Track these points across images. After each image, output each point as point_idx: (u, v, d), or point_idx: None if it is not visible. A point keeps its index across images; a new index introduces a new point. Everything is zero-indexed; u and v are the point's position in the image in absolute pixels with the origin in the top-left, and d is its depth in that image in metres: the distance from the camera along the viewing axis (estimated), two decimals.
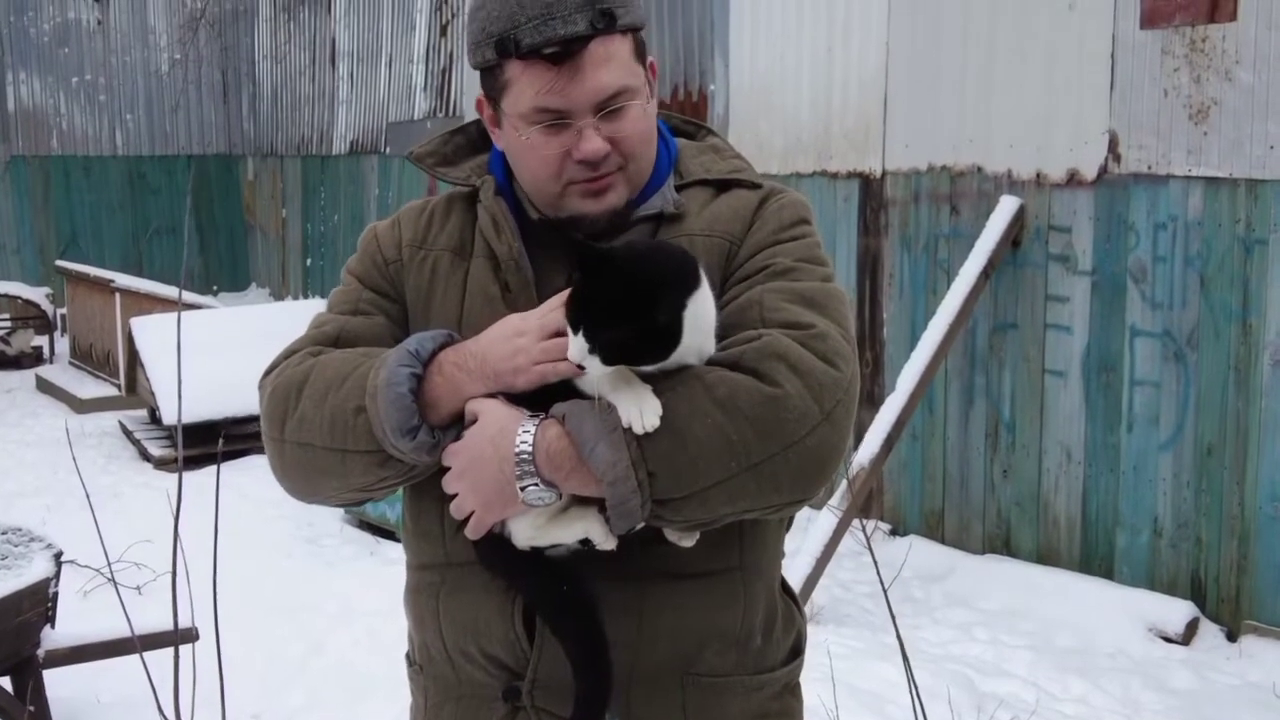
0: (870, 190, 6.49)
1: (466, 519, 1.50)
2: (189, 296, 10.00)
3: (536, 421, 1.44)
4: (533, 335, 1.48)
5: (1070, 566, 5.61)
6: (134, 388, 8.93)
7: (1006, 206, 5.69)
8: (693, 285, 1.40)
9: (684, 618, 1.54)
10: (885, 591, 3.26)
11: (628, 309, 1.34)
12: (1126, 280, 5.33)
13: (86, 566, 5.36)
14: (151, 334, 8.40)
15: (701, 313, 1.41)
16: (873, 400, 6.21)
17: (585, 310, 1.35)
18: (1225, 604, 5.09)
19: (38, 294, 12.16)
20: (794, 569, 5.38)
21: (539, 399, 1.47)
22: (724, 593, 1.55)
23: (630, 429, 1.38)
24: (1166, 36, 5.11)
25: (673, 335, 1.37)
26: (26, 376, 11.24)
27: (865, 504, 6.19)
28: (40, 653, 3.96)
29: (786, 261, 1.55)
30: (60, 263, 11.92)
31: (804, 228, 1.61)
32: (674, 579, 1.53)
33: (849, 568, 5.97)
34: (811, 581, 5.35)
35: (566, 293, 1.45)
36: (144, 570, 5.52)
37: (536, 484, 1.42)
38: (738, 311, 1.51)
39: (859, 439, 5.60)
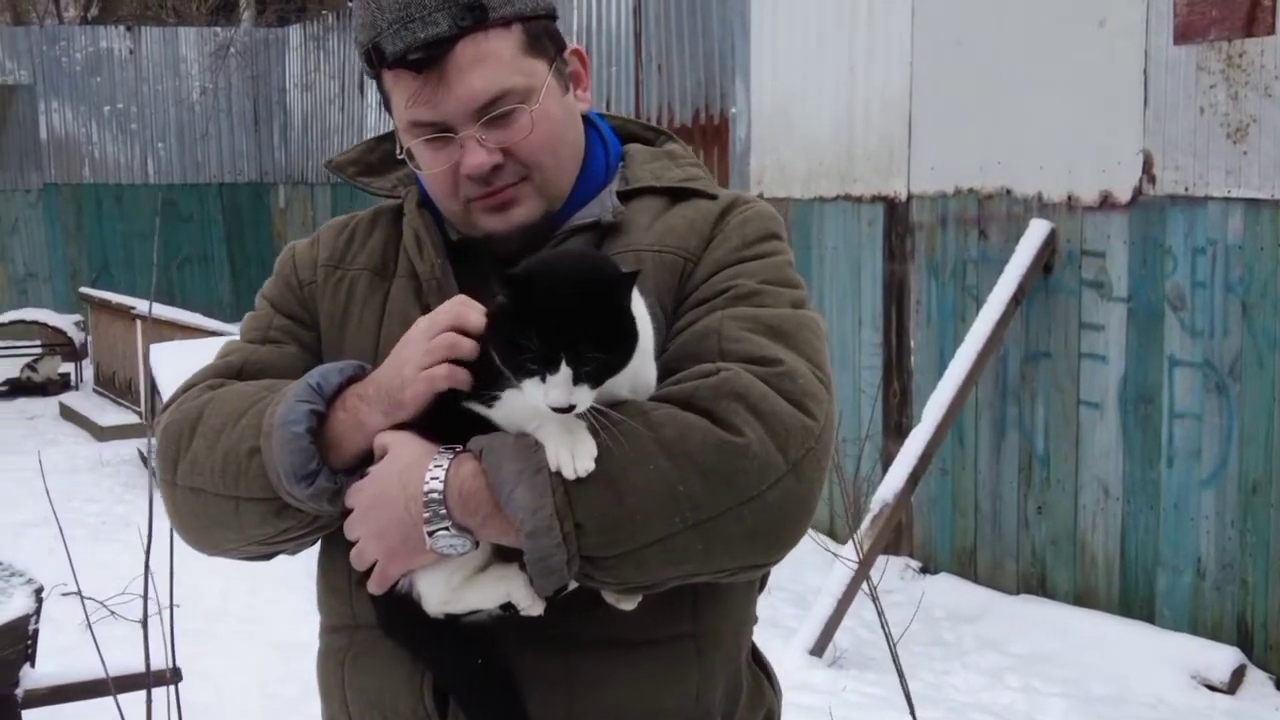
0: (895, 214, 6.29)
1: (370, 571, 1.31)
2: (215, 324, 9.95)
3: (450, 456, 1.25)
4: (417, 340, 1.30)
5: (1108, 609, 5.36)
6: (154, 415, 8.84)
7: (1037, 230, 5.48)
8: (623, 273, 1.21)
9: (624, 695, 1.34)
10: (890, 641, 3.03)
11: (593, 315, 1.15)
12: (1164, 307, 5.09)
13: (91, 599, 5.24)
14: (170, 361, 8.30)
15: (637, 311, 1.22)
16: (899, 432, 5.99)
17: (555, 337, 1.15)
18: (1274, 650, 4.81)
19: (66, 321, 12.17)
20: (814, 609, 5.18)
21: (463, 432, 1.27)
22: (673, 665, 1.36)
23: (559, 472, 1.19)
24: (1201, 52, 4.88)
25: (633, 328, 1.18)
26: (51, 403, 11.24)
27: (894, 540, 5.96)
28: (19, 693, 3.82)
29: (750, 284, 1.35)
30: (85, 290, 11.92)
31: (772, 243, 1.42)
32: (612, 648, 1.33)
33: (875, 607, 5.73)
34: (833, 623, 5.14)
35: (458, 298, 1.29)
36: (150, 602, 5.39)
37: (447, 529, 1.23)
38: (693, 340, 1.32)
39: (884, 470, 5.38)
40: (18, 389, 11.85)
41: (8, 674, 3.77)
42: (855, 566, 5.00)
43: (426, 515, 1.23)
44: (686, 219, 1.44)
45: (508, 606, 1.26)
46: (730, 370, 1.25)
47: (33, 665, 3.88)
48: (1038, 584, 5.70)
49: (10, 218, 14.17)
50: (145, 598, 3.24)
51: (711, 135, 7.35)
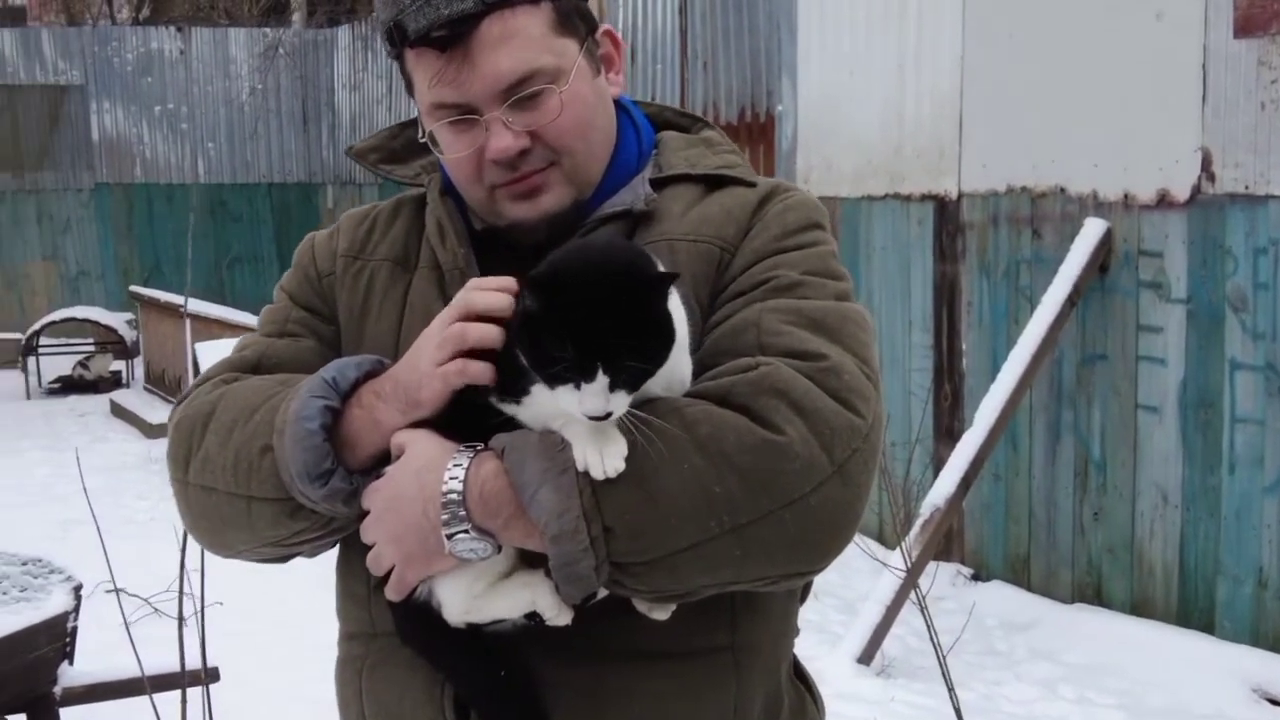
0: (946, 213, 6.17)
1: (388, 577, 1.25)
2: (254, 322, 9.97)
3: (470, 455, 1.18)
4: (433, 334, 1.23)
5: (1166, 619, 5.21)
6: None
7: (1092, 230, 5.34)
8: (661, 272, 1.13)
9: (656, 710, 1.26)
10: (939, 651, 2.94)
11: (631, 320, 1.08)
12: (1224, 309, 4.94)
13: (135, 596, 5.27)
14: (217, 359, 8.34)
15: (672, 305, 1.14)
16: (951, 436, 5.88)
17: (591, 345, 1.07)
18: None
19: (117, 319, 12.29)
20: (862, 616, 5.09)
21: (487, 430, 1.20)
22: (709, 679, 1.29)
23: (586, 472, 1.12)
24: (1263, 46, 4.73)
25: (671, 330, 1.12)
26: (102, 401, 11.35)
27: (944, 546, 5.85)
28: (57, 690, 3.84)
29: (791, 275, 1.28)
30: (134, 288, 12.03)
31: (814, 233, 1.34)
32: (644, 660, 1.26)
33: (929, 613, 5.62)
34: (881, 631, 5.04)
35: (470, 283, 1.21)
36: (190, 599, 5.41)
37: (467, 532, 1.17)
38: (730, 334, 1.25)
39: (934, 474, 5.27)
40: (70, 386, 11.99)
41: (46, 671, 3.78)
42: (904, 574, 4.90)
43: (445, 517, 1.17)
44: (723, 207, 1.37)
45: (533, 616, 1.20)
46: (770, 365, 1.18)
47: (71, 663, 3.90)
48: (1093, 593, 5.57)
49: (63, 217, 14.32)
50: (180, 597, 3.21)
51: (757, 133, 7.26)
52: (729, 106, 7.54)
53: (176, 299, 10.43)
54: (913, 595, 5.42)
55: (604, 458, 1.11)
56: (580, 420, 1.11)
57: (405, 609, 1.24)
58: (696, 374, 1.22)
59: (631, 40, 8.26)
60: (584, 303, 1.08)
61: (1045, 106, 5.61)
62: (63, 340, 12.30)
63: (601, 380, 1.08)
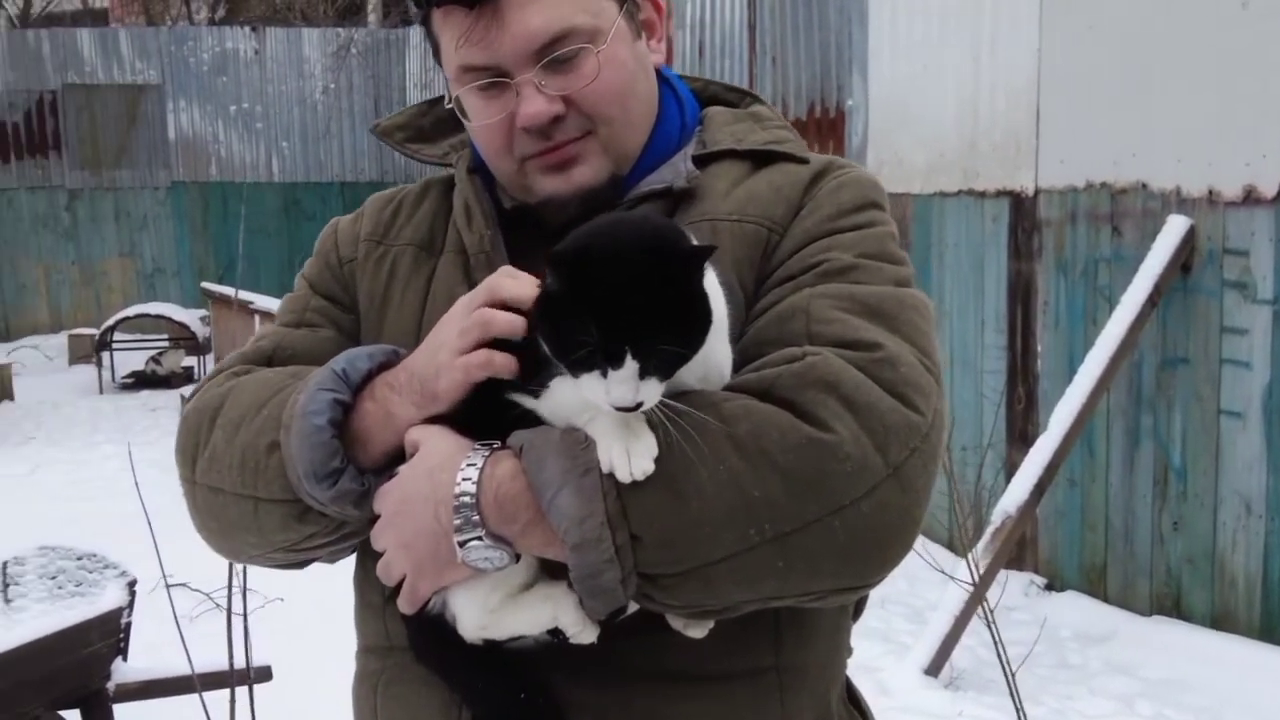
0: (1022, 210, 5.99)
1: (401, 587, 1.15)
2: None
3: (486, 453, 1.09)
4: (454, 321, 1.14)
5: (1249, 633, 5.00)
6: None
7: (1175, 227, 5.14)
8: (696, 246, 1.03)
9: None
10: (1005, 664, 2.80)
11: (662, 298, 0.98)
12: None
13: (197, 590, 5.26)
14: None
15: (707, 286, 1.04)
16: (1025, 440, 5.70)
17: (618, 326, 0.98)
18: None
19: (190, 316, 12.43)
20: (930, 626, 4.94)
21: (508, 426, 1.10)
22: (750, 703, 1.18)
23: (611, 474, 1.02)
24: None
25: (707, 310, 1.02)
26: (174, 396, 11.47)
27: (1017, 554, 5.68)
28: (110, 686, 3.83)
29: (845, 257, 1.18)
30: (205, 285, 12.16)
31: (871, 213, 1.24)
32: (678, 682, 1.16)
33: (998, 625, 5.45)
34: (950, 641, 4.89)
35: (501, 270, 1.12)
36: (255, 595, 5.42)
37: (480, 539, 1.07)
38: (776, 322, 1.14)
39: (1004, 479, 5.10)
40: (142, 381, 12.16)
41: (99, 667, 3.78)
42: (971, 584, 4.74)
43: (457, 522, 1.07)
44: (772, 185, 1.26)
45: (556, 632, 1.10)
46: (819, 355, 1.08)
47: (125, 659, 3.90)
48: (1172, 605, 5.38)
49: (140, 214, 14.53)
50: (230, 595, 3.17)
51: (827, 129, 7.11)
52: (798, 102, 7.40)
53: (247, 296, 10.53)
54: (1006, 602, 5.28)
55: (631, 457, 1.01)
56: (607, 415, 1.02)
57: (418, 622, 1.15)
58: (738, 366, 1.12)
59: (699, 35, 8.14)
60: (610, 280, 0.98)
61: (1126, 99, 5.42)
62: (136, 336, 12.48)
63: (630, 366, 0.98)
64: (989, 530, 5.02)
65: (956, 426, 6.31)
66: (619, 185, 1.29)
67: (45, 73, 14.00)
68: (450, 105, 1.30)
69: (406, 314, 1.31)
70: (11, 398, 10.70)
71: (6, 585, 4.11)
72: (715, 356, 1.08)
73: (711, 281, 1.06)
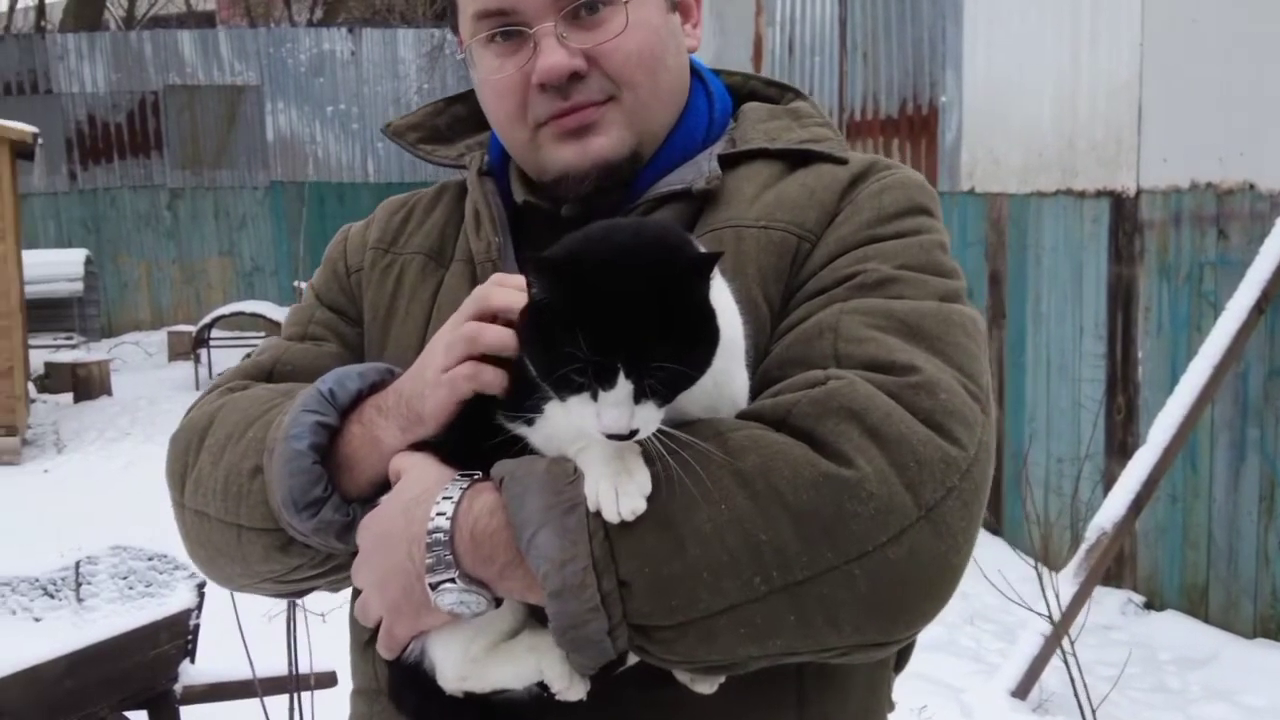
0: (1123, 211, 5.74)
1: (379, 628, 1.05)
2: None
3: (464, 486, 0.98)
4: (443, 337, 1.04)
5: None
6: None
7: None
8: (700, 253, 0.91)
9: None
10: (1079, 693, 2.62)
11: (660, 309, 0.87)
12: None
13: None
14: None
15: (717, 302, 0.92)
16: (1124, 452, 5.46)
17: (609, 340, 0.87)
18: None
19: (286, 314, 12.53)
20: (1019, 646, 4.74)
21: (500, 455, 0.99)
22: None
23: (599, 512, 0.91)
24: None
25: (712, 325, 0.90)
26: None
27: (1115, 570, 5.45)
28: (178, 688, 3.83)
29: (883, 269, 1.06)
30: (298, 283, 12.29)
31: (917, 219, 1.12)
32: None
33: (1091, 644, 5.23)
34: (1040, 663, 4.68)
35: (494, 277, 1.03)
36: (326, 599, 5.39)
37: (454, 582, 0.96)
38: (801, 341, 1.03)
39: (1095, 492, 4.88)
40: None
41: (167, 669, 3.78)
42: (1047, 616, 4.53)
43: (429, 561, 0.97)
44: (805, 188, 1.14)
45: (545, 686, 0.99)
46: (843, 380, 0.96)
47: (193, 661, 3.89)
48: (1276, 628, 5.13)
49: (239, 214, 14.75)
50: (291, 601, 3.11)
51: (920, 126, 6.90)
52: (889, 99, 7.19)
53: None
54: (1100, 621, 5.05)
55: (619, 495, 0.90)
56: (598, 443, 0.90)
57: (399, 669, 1.04)
58: (760, 389, 1.00)
59: (790, 32, 7.98)
60: (600, 288, 0.87)
61: (1233, 95, 5.17)
62: (234, 333, 12.65)
63: (623, 387, 0.86)
64: (1083, 547, 4.80)
65: (1052, 437, 6.08)
66: (639, 164, 1.18)
67: (148, 74, 14.29)
68: (462, 56, 1.21)
69: (410, 328, 1.21)
70: (110, 393, 10.90)
71: (79, 584, 4.12)
72: (727, 381, 0.96)
73: (723, 297, 0.94)
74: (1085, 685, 1.90)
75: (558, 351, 0.87)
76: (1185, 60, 5.40)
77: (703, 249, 0.94)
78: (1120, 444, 5.75)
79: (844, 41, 7.48)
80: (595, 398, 0.88)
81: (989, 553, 4.79)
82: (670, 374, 0.87)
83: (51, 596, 4.16)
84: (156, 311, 14.57)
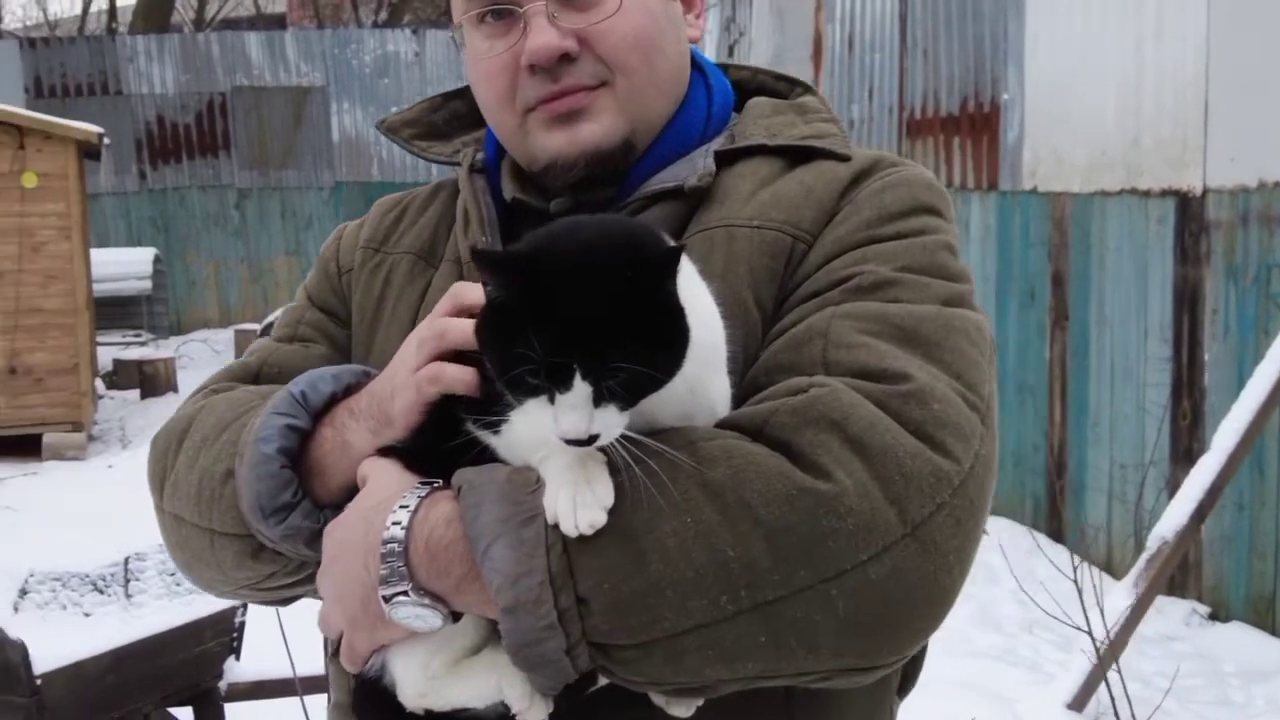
0: (1189, 211, 5.58)
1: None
2: None
3: (423, 494, 0.94)
4: (417, 334, 1.01)
5: None
6: None
7: None
8: (666, 247, 0.86)
9: None
10: (1121, 709, 2.53)
11: (619, 306, 0.82)
12: None
13: None
14: None
15: (689, 303, 0.87)
16: (1190, 458, 5.31)
17: (564, 339, 0.82)
18: None
19: None
20: (1077, 656, 4.62)
21: (470, 461, 0.95)
22: None
23: (557, 525, 0.86)
24: None
25: (679, 324, 0.85)
26: None
27: (1180, 579, 5.33)
28: (222, 685, 3.85)
29: (881, 271, 1.00)
30: None
31: (921, 218, 1.05)
32: None
33: (1153, 656, 5.10)
34: (1098, 674, 4.55)
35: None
36: None
37: (407, 594, 0.92)
38: (790, 347, 0.97)
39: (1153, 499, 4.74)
40: None
41: (212, 666, 3.80)
42: (1138, 594, 4.41)
43: (383, 572, 0.93)
44: (803, 185, 1.09)
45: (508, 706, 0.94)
46: (825, 387, 0.90)
47: (238, 658, 3.90)
48: None
49: (305, 213, 14.90)
50: None
51: (981, 124, 6.77)
52: (950, 96, 7.07)
53: None
54: (1163, 631, 4.91)
55: (578, 506, 0.85)
56: (559, 451, 0.85)
57: (361, 684, 1.00)
58: (746, 398, 0.95)
59: (849, 28, 7.88)
60: (556, 285, 0.83)
61: None
62: None
63: (580, 390, 0.82)
64: (1143, 556, 4.66)
65: (1116, 443, 5.93)
66: (632, 156, 1.13)
67: (215, 75, 14.48)
68: (454, 36, 1.17)
69: (397, 330, 1.17)
70: (176, 390, 11.04)
71: (128, 580, 4.16)
72: (703, 388, 0.90)
73: (699, 297, 0.89)
74: (1129, 699, 1.82)
75: (513, 352, 0.83)
76: (1253, 56, 5.24)
77: (672, 244, 0.89)
78: (1185, 450, 5.60)
79: (904, 38, 7.36)
80: (553, 401, 0.83)
81: (1047, 561, 4.68)
82: (631, 376, 0.82)
83: (101, 592, 4.19)
84: (224, 310, 14.76)
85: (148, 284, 12.52)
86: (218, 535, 1.09)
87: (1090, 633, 4.06)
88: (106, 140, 8.91)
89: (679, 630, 0.85)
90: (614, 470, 0.88)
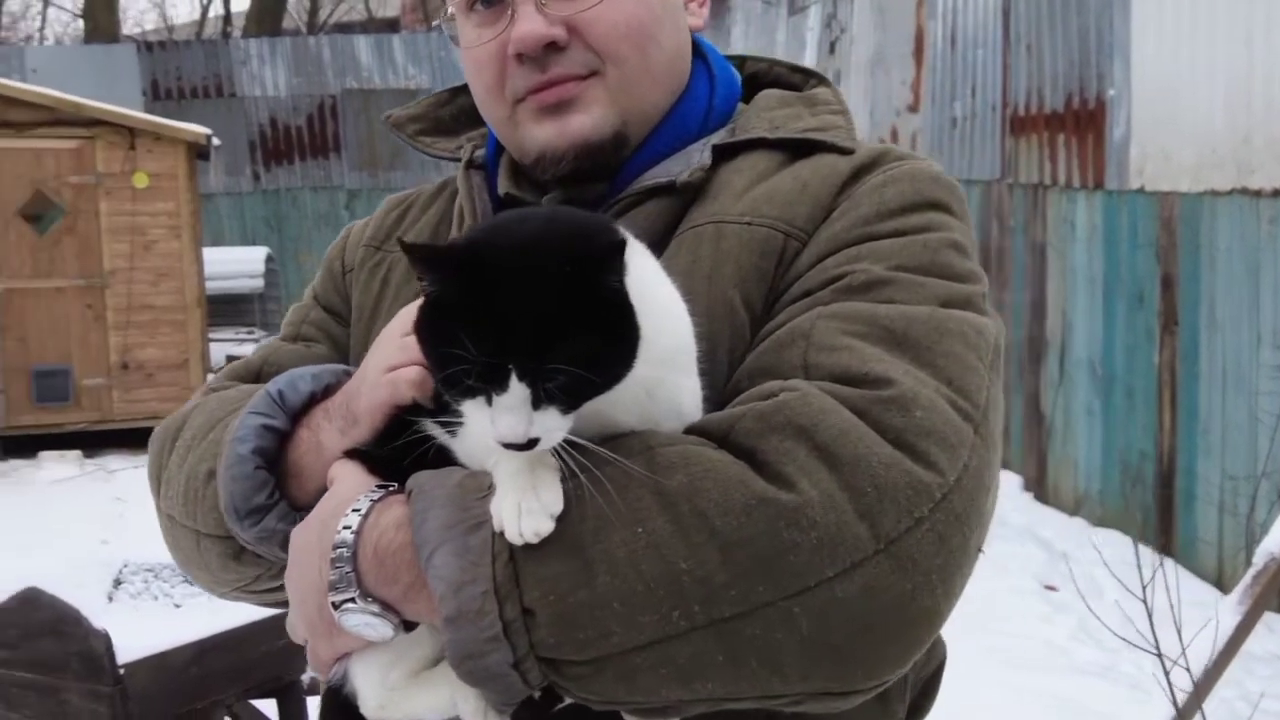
0: None
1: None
2: None
3: (375, 497, 0.91)
4: (392, 333, 0.99)
5: None
6: None
7: None
8: (609, 240, 0.81)
9: None
10: None
11: (555, 302, 0.78)
12: None
13: None
14: None
15: (646, 301, 0.82)
16: None
17: (497, 337, 0.78)
18: None
19: None
20: (1184, 671, 4.44)
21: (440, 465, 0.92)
22: None
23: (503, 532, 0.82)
24: None
25: (626, 321, 0.80)
26: None
27: None
28: (305, 678, 3.88)
29: (874, 270, 0.94)
30: None
31: (925, 215, 0.99)
32: None
33: (1262, 675, 4.90)
34: (1201, 692, 4.37)
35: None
36: None
37: (354, 601, 0.89)
38: (772, 350, 0.92)
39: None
40: None
41: (296, 659, 3.85)
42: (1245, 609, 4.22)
43: (332, 578, 0.90)
44: (799, 180, 1.03)
45: None
46: (795, 392, 0.85)
47: None
48: None
49: None
50: None
51: (1086, 121, 6.56)
52: (1054, 93, 6.86)
53: None
54: (1274, 650, 4.69)
55: (523, 513, 0.81)
56: (507, 457, 0.82)
57: (328, 693, 0.98)
58: (726, 403, 0.90)
59: (951, 23, 7.71)
60: (488, 281, 0.79)
61: None
62: None
63: (517, 391, 0.78)
64: (1249, 573, 4.46)
65: (1227, 452, 5.69)
66: (624, 149, 1.08)
67: (326, 78, 14.75)
68: (442, 23, 1.16)
69: None
70: None
71: None
72: (665, 392, 0.86)
73: (658, 295, 0.84)
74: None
75: (448, 352, 0.79)
76: None
77: (625, 234, 0.84)
78: None
79: (1007, 33, 7.17)
80: (490, 403, 0.79)
81: (1156, 575, 4.50)
82: (571, 377, 0.78)
83: (191, 583, 4.28)
84: None
85: (260, 282, 12.79)
86: (203, 536, 1.09)
87: (1160, 655, 3.89)
88: (216, 141, 9.12)
89: (630, 646, 0.81)
90: (566, 477, 0.84)
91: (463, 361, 0.78)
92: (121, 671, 3.48)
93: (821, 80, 1.19)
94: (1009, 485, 6.85)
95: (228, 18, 20.36)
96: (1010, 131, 7.07)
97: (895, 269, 0.95)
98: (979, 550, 0.88)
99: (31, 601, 3.56)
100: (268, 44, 14.83)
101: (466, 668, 0.84)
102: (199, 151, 8.92)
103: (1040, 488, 6.61)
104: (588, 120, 1.07)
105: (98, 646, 3.45)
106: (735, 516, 0.80)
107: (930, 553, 0.82)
